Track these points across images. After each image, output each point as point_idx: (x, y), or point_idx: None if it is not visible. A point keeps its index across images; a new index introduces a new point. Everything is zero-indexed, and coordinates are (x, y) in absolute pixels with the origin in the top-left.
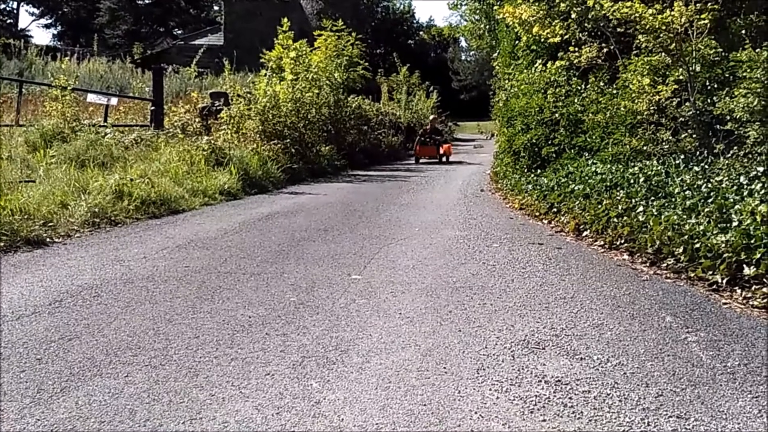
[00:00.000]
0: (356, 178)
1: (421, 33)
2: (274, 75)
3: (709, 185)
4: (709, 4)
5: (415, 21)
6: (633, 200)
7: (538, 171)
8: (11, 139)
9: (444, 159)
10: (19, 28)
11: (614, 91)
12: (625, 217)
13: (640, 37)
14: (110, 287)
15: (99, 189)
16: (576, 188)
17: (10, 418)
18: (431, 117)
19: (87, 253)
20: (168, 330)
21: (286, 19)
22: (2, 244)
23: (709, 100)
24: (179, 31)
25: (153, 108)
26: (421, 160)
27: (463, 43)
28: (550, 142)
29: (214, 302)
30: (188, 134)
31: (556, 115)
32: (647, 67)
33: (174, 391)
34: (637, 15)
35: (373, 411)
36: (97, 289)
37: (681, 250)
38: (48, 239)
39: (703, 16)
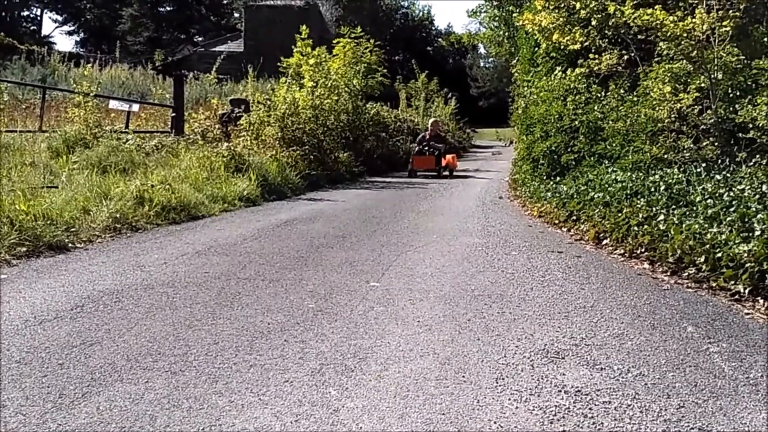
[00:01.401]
0: (374, 185)
1: (439, 40)
2: (294, 82)
3: (731, 194)
4: (731, 11)
5: (433, 28)
6: (654, 209)
7: (558, 178)
8: (34, 144)
9: (447, 173)
10: (42, 35)
11: (635, 99)
12: (645, 226)
13: (661, 44)
14: (131, 293)
15: (120, 195)
16: (596, 196)
17: (32, 422)
18: (432, 120)
19: (108, 258)
20: (188, 336)
21: (305, 27)
22: (25, 249)
23: (731, 108)
24: (200, 38)
25: (174, 114)
26: (418, 173)
27: (482, 50)
28: (569, 150)
29: (233, 308)
30: (208, 141)
31: (576, 122)
32: (668, 74)
33: (194, 397)
34: (658, 22)
35: (392, 419)
36: (118, 295)
37: (702, 259)
38: (70, 245)
39: (725, 23)
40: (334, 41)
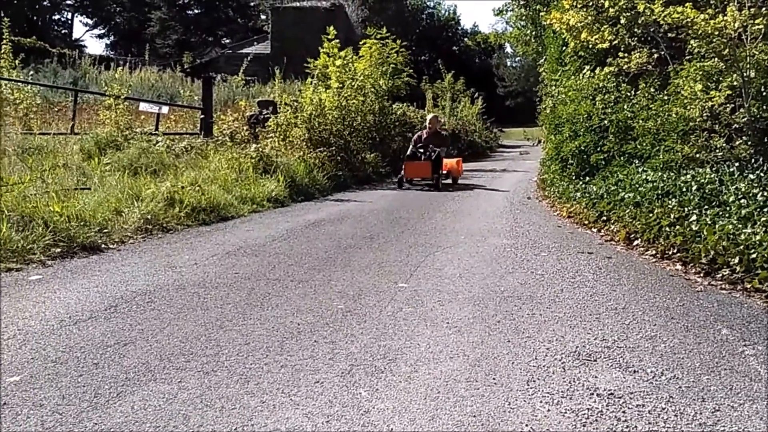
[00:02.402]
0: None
1: (465, 39)
2: (320, 83)
3: (765, 193)
4: (764, 9)
5: (459, 28)
6: (686, 209)
7: (587, 178)
8: (67, 146)
9: (449, 180)
10: (73, 38)
11: (665, 98)
12: (677, 226)
13: (692, 42)
14: (163, 293)
15: (151, 196)
16: (626, 196)
17: (69, 421)
18: (430, 116)
19: (140, 259)
20: (219, 336)
21: (331, 28)
22: (59, 250)
23: (764, 107)
24: (227, 41)
25: (202, 116)
26: (413, 182)
27: (509, 49)
28: (599, 149)
29: (263, 309)
30: (236, 142)
31: (605, 121)
32: (700, 72)
33: (226, 397)
34: (689, 20)
35: (423, 421)
36: (151, 295)
37: (736, 260)
38: (103, 245)
39: (757, 21)
40: (360, 42)
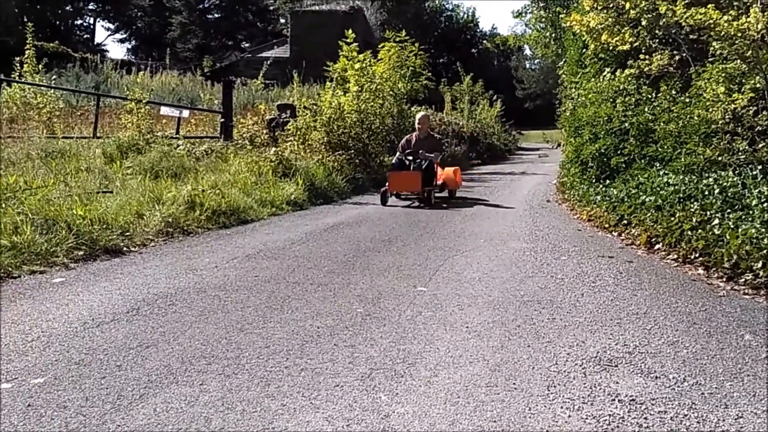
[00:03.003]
0: None
1: (484, 42)
2: (339, 86)
3: None
4: None
5: (478, 30)
6: (708, 213)
7: (607, 181)
8: (89, 150)
9: (445, 194)
10: (95, 43)
11: (687, 100)
12: (699, 231)
13: (714, 44)
14: (184, 296)
15: (172, 199)
16: (647, 200)
17: (92, 423)
18: (420, 115)
19: (162, 262)
20: (240, 339)
21: (350, 31)
22: (82, 252)
23: None
24: (247, 44)
25: (222, 120)
26: (400, 196)
27: (528, 51)
28: (619, 152)
29: (283, 312)
30: (256, 146)
31: (626, 124)
32: (722, 74)
33: (247, 400)
34: (711, 21)
35: (443, 426)
36: (172, 298)
37: (760, 264)
38: (125, 248)
39: None
40: (379, 45)
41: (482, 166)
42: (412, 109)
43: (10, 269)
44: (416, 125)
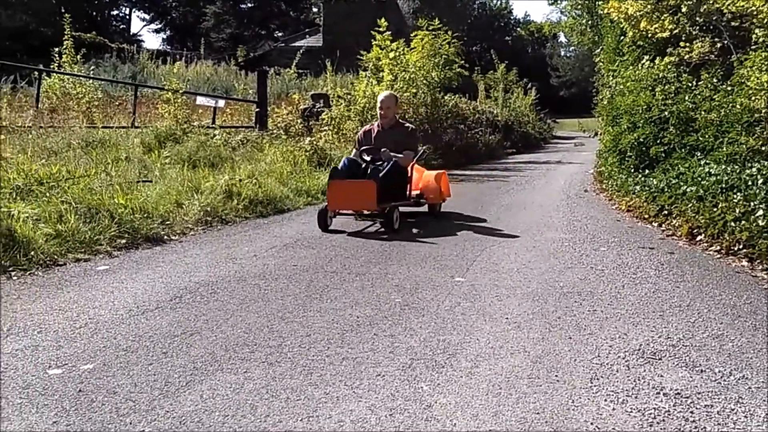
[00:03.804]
0: (453, 178)
1: (518, 29)
2: (373, 76)
3: None
4: None
5: (512, 17)
6: (751, 203)
7: (646, 171)
8: (128, 140)
9: (424, 208)
10: (131, 33)
11: (729, 88)
12: (743, 222)
13: (756, 31)
14: (225, 284)
15: (210, 189)
16: (688, 190)
17: (141, 408)
18: (382, 96)
19: (201, 250)
20: (281, 328)
21: (383, 20)
22: (124, 241)
23: None
24: (280, 34)
25: (257, 110)
26: (345, 214)
27: (563, 39)
28: (659, 141)
29: (322, 301)
30: (291, 135)
31: (666, 113)
32: (765, 62)
33: (291, 388)
34: (753, 8)
35: (486, 417)
36: (213, 286)
37: None
38: (165, 237)
39: None
40: (412, 34)
41: (517, 156)
42: (446, 98)
43: (56, 257)
44: (378, 110)
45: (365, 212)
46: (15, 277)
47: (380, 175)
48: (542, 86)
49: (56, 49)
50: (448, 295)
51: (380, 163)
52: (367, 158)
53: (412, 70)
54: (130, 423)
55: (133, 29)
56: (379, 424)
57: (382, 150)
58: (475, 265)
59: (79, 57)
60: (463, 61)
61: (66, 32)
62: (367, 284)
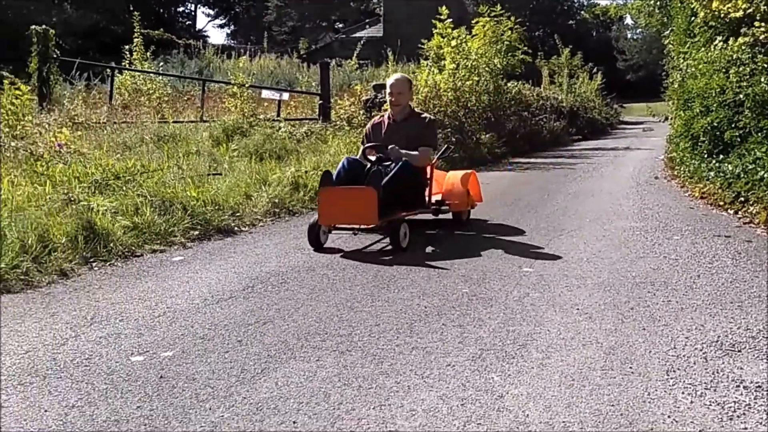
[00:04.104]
0: (518, 166)
1: (582, 12)
2: (434, 64)
3: None
4: None
5: (575, 1)
6: None
7: (720, 156)
8: (197, 133)
9: (448, 214)
10: (197, 29)
11: None
12: None
13: None
14: (294, 274)
15: (277, 181)
16: (766, 175)
17: (220, 395)
18: (392, 79)
19: (271, 241)
20: (350, 317)
21: (444, 8)
22: (197, 232)
23: None
24: (340, 25)
25: (320, 102)
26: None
27: (629, 21)
28: (733, 126)
29: (390, 291)
30: (354, 126)
31: (740, 95)
32: None
33: (362, 376)
34: None
35: (559, 408)
36: (284, 276)
37: None
38: (236, 228)
39: None
40: (473, 21)
41: (582, 142)
42: (509, 84)
43: (133, 248)
44: (388, 98)
45: (364, 227)
46: (96, 268)
47: (385, 179)
48: (608, 70)
49: (127, 47)
50: (516, 285)
51: (388, 163)
52: (372, 158)
53: (474, 57)
54: (210, 408)
55: (199, 25)
56: (450, 414)
57: (389, 147)
58: (543, 255)
59: (148, 54)
60: (525, 47)
61: (135, 30)
62: (434, 275)
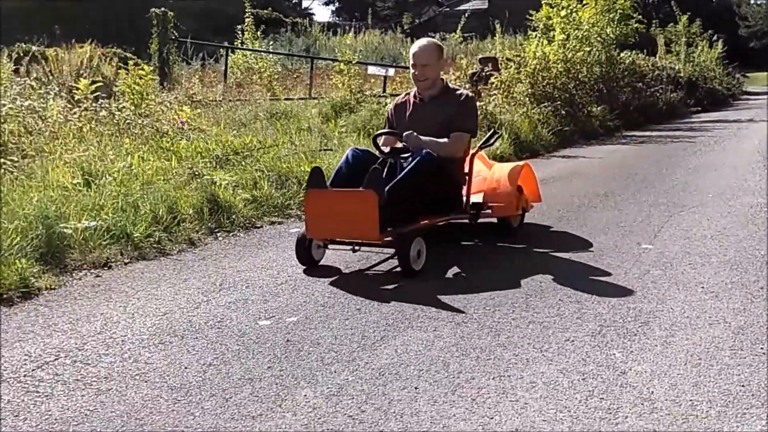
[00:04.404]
0: (632, 139)
1: None
2: (543, 35)
3: None
4: None
5: None
6: None
7: None
8: (306, 110)
9: (493, 218)
10: (302, 7)
11: None
12: None
13: None
14: None
15: None
16: None
17: (343, 359)
18: (417, 47)
19: None
20: (465, 288)
21: None
22: None
23: None
24: None
25: None
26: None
27: None
28: None
29: (504, 263)
30: None
31: None
32: None
33: (480, 347)
34: None
35: (685, 387)
36: None
37: None
38: None
39: None
40: None
41: (702, 114)
42: (622, 54)
43: (253, 220)
44: (411, 71)
45: (353, 242)
46: (220, 238)
47: (397, 182)
48: (729, 38)
49: (238, 27)
50: (635, 262)
51: (408, 155)
52: (386, 149)
53: (585, 27)
54: (335, 371)
55: (305, 3)
56: (572, 387)
57: (405, 134)
58: (663, 232)
59: (259, 33)
60: (639, 15)
61: (246, 10)
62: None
